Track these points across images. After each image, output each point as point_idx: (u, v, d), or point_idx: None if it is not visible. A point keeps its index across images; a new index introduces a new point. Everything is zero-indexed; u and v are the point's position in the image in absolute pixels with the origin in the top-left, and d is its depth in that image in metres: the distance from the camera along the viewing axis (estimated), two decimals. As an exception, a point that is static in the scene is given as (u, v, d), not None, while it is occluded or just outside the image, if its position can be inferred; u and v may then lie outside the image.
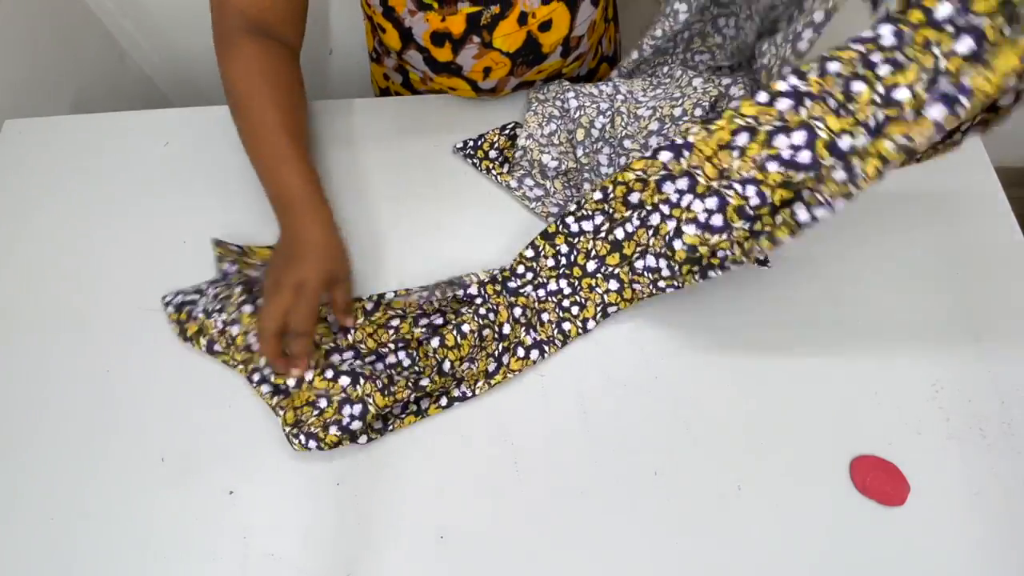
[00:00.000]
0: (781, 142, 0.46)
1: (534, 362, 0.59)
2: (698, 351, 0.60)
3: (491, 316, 0.60)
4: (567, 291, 0.61)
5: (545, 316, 0.60)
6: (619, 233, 0.58)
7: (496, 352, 0.60)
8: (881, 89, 0.42)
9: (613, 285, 0.59)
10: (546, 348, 0.60)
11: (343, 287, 0.59)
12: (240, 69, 0.59)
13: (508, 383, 0.59)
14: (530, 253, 0.62)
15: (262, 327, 0.54)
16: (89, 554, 0.54)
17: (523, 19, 0.64)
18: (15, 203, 0.71)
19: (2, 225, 0.70)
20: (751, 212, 0.48)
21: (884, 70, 0.42)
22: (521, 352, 0.59)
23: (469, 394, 0.58)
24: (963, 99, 0.39)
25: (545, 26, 0.66)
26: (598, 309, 0.60)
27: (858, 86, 0.42)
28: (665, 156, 0.51)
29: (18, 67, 0.85)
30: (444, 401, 0.58)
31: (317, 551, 0.53)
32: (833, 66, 0.43)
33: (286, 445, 0.57)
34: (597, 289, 0.60)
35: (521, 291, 0.61)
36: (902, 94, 0.41)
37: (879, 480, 0.54)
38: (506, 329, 0.60)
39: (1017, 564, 0.52)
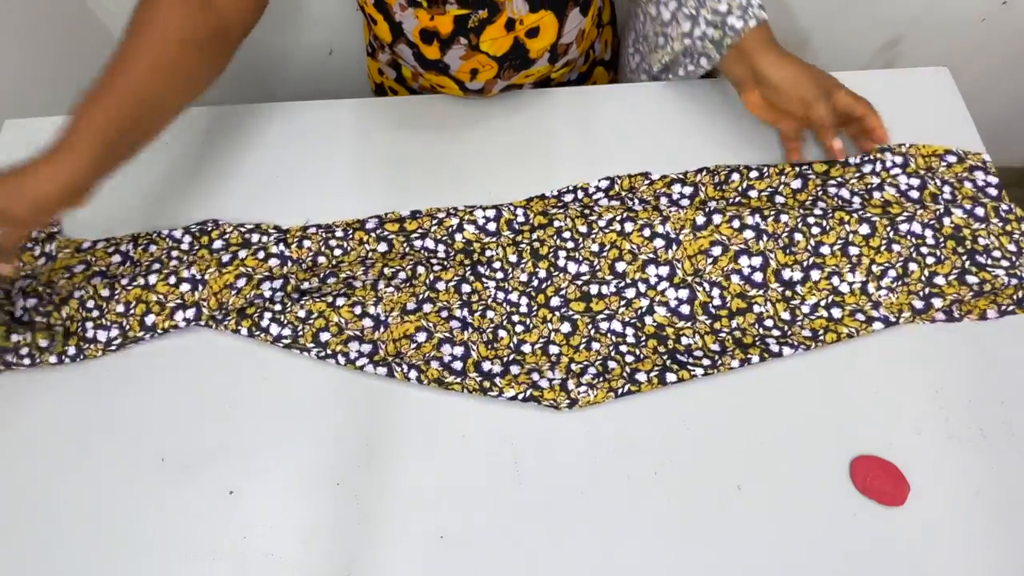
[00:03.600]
0: (743, 261, 0.61)
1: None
2: (698, 351, 0.60)
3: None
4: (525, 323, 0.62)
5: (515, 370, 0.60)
6: (593, 289, 0.62)
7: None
8: (814, 243, 0.62)
9: (566, 327, 0.60)
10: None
11: (13, 233, 0.53)
12: (142, 14, 0.54)
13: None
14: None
15: None
16: (89, 554, 0.54)
17: (510, 25, 0.64)
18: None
19: (2, 225, 0.70)
20: (713, 311, 0.60)
21: (815, 229, 0.62)
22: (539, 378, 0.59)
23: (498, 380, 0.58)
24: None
25: (532, 33, 0.66)
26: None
27: (797, 236, 0.62)
28: (659, 243, 0.62)
29: (18, 67, 0.85)
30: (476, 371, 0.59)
31: (317, 551, 0.53)
32: (784, 217, 0.62)
33: (286, 445, 0.57)
34: (550, 324, 0.61)
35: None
36: (826, 250, 0.61)
37: (879, 480, 0.54)
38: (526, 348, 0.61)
39: (1017, 564, 0.52)
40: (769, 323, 0.60)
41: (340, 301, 0.61)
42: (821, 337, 0.59)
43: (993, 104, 1.20)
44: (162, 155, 0.73)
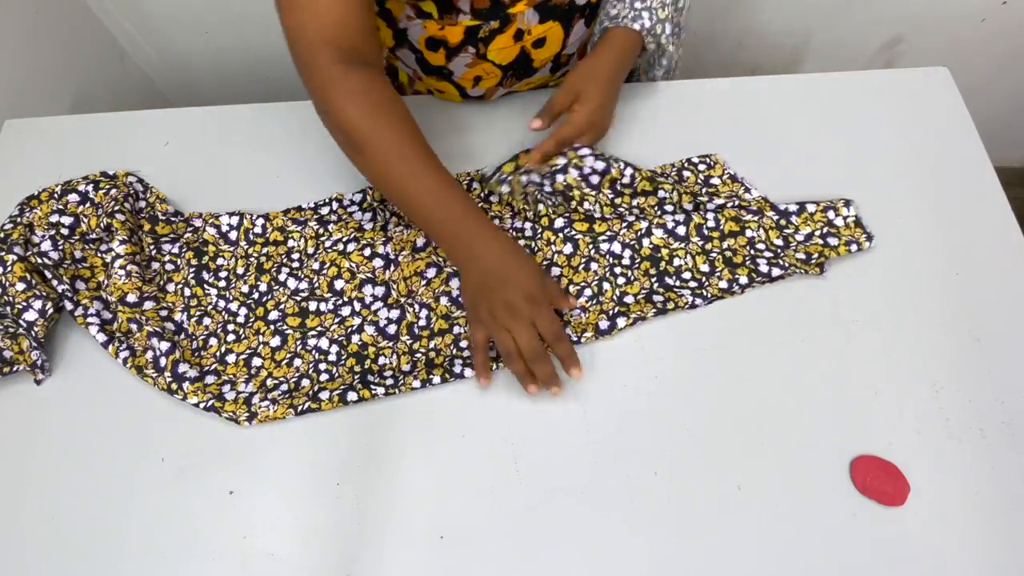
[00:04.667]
0: (454, 283, 0.64)
1: None
2: (698, 351, 0.60)
3: None
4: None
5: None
6: (311, 306, 0.63)
7: None
8: None
9: (275, 341, 0.62)
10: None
11: (550, 281, 0.59)
12: (354, 109, 0.55)
13: (509, 381, 0.59)
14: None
15: (532, 349, 0.54)
16: (89, 554, 0.54)
17: (519, 35, 0.64)
18: (15, 203, 0.70)
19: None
20: (416, 331, 0.61)
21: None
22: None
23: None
24: None
25: (539, 43, 0.66)
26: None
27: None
28: (378, 263, 0.64)
29: (18, 67, 0.85)
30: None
31: (317, 551, 0.53)
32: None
33: (286, 445, 0.57)
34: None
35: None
36: None
37: (879, 480, 0.54)
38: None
39: (1017, 564, 0.52)
40: (464, 344, 0.61)
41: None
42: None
43: (993, 104, 1.20)
44: (163, 155, 0.73)
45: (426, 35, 0.64)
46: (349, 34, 0.54)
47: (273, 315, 0.63)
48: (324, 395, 0.58)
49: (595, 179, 0.64)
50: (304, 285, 0.64)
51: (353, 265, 0.64)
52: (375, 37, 0.58)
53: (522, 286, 0.55)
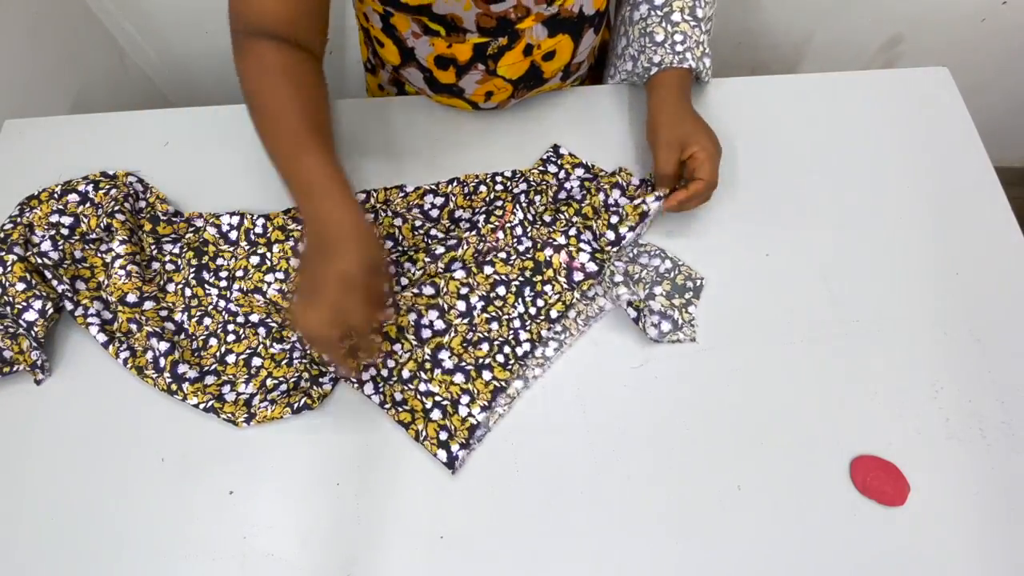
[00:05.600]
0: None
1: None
2: (698, 351, 0.60)
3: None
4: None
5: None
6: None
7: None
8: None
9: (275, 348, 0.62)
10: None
11: (382, 277, 0.54)
12: (253, 66, 0.55)
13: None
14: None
15: (317, 334, 0.48)
16: (89, 554, 0.54)
17: (528, 50, 0.64)
18: (15, 203, 0.70)
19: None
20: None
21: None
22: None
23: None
24: None
25: (548, 56, 0.67)
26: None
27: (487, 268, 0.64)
28: None
29: (18, 67, 0.85)
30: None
31: (317, 551, 0.53)
32: (488, 268, 0.64)
33: (286, 445, 0.57)
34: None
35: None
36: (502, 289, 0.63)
37: (879, 480, 0.54)
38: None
39: (1017, 564, 0.52)
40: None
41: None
42: None
43: (993, 104, 1.20)
44: (162, 155, 0.73)
45: (434, 53, 0.64)
46: (281, 23, 0.56)
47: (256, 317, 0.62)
48: (315, 390, 0.58)
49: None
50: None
51: None
52: (315, 31, 0.60)
53: (341, 264, 0.49)
